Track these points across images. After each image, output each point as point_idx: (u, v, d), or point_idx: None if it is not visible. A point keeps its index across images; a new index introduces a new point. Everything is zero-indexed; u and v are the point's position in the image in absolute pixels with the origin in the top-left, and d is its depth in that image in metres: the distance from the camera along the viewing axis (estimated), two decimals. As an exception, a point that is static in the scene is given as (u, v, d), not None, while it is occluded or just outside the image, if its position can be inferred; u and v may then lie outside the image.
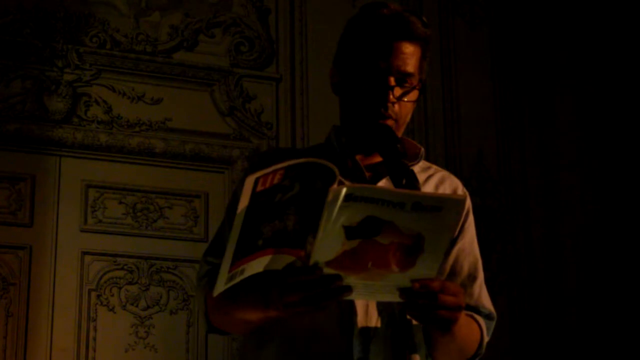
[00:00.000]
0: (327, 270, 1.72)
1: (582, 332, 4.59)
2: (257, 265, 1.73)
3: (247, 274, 1.73)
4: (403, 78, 2.01)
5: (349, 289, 1.74)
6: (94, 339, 3.96)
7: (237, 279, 1.73)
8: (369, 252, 1.71)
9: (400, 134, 2.04)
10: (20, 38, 4.12)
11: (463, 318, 1.89)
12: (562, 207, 4.77)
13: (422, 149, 2.12)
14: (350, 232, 1.69)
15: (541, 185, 4.80)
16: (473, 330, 2.05)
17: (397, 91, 2.00)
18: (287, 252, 1.73)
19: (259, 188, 1.70)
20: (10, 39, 4.10)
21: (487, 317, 2.10)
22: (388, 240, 1.70)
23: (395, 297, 1.81)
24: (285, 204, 1.72)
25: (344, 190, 1.65)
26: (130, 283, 4.09)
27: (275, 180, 1.71)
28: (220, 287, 1.74)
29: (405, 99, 2.01)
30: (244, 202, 1.70)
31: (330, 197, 1.66)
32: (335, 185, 1.69)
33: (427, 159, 2.20)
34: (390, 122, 2.00)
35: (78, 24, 4.23)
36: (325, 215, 1.67)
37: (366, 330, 1.94)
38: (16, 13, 4.13)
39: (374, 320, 1.95)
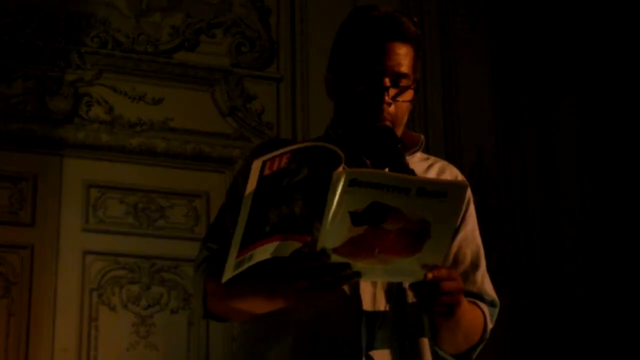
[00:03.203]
0: (335, 258, 1.72)
1: (582, 332, 4.60)
2: (264, 252, 1.73)
3: (254, 260, 1.73)
4: (397, 79, 2.03)
5: (358, 274, 1.76)
6: (96, 338, 3.97)
7: (245, 265, 1.73)
8: (376, 239, 1.71)
9: (398, 135, 2.05)
10: (22, 38, 4.12)
11: (466, 304, 1.92)
12: (562, 207, 4.78)
13: (422, 137, 2.14)
14: (356, 218, 1.69)
15: (541, 185, 4.81)
16: (477, 317, 2.08)
17: (392, 92, 2.01)
18: (293, 238, 1.72)
19: (266, 172, 1.70)
20: (11, 39, 4.10)
21: (490, 304, 2.13)
22: (394, 226, 1.71)
23: (404, 279, 1.82)
24: (293, 188, 1.71)
25: (348, 174, 1.66)
26: (131, 282, 4.10)
27: (282, 164, 1.71)
28: (228, 273, 1.74)
29: (401, 99, 2.03)
30: (251, 185, 1.70)
31: (334, 181, 1.66)
32: (340, 169, 1.69)
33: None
34: (387, 124, 2.01)
35: (79, 24, 4.23)
36: (330, 199, 1.67)
37: (373, 317, 1.97)
38: (18, 13, 4.14)
39: (382, 308, 1.97)
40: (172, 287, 4.14)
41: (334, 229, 1.69)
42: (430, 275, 1.78)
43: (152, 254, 4.14)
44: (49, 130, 4.08)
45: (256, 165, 1.70)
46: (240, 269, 1.73)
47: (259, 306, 1.93)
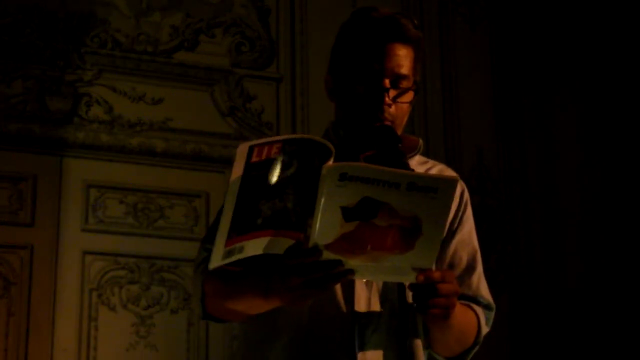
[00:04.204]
0: (327, 255, 1.72)
1: (582, 332, 4.60)
2: (256, 246, 1.71)
3: (246, 253, 1.71)
4: (398, 80, 2.02)
5: (351, 271, 1.75)
6: (95, 338, 3.97)
7: (235, 256, 1.71)
8: (368, 235, 1.71)
9: None
10: (21, 38, 4.12)
11: (459, 307, 1.91)
12: (562, 207, 4.78)
13: (421, 141, 2.14)
14: (347, 213, 1.68)
15: (541, 185, 4.81)
16: (470, 320, 2.07)
17: (393, 93, 2.01)
18: (286, 235, 1.71)
19: (254, 159, 1.68)
20: (11, 39, 4.11)
21: (486, 307, 2.13)
22: (386, 222, 1.70)
23: (396, 278, 1.82)
24: (285, 182, 1.70)
25: (338, 168, 1.66)
26: (131, 282, 4.10)
27: (272, 154, 1.69)
28: (216, 260, 1.72)
29: (401, 101, 2.03)
30: (237, 171, 1.68)
31: (324, 174, 1.65)
32: (329, 163, 1.69)
33: (427, 158, 2.22)
34: (387, 124, 2.01)
35: (79, 24, 4.24)
36: (320, 194, 1.66)
37: (368, 320, 1.97)
38: (17, 13, 4.14)
39: (376, 309, 1.98)
40: (172, 287, 4.14)
41: (325, 224, 1.69)
42: (421, 278, 1.78)
43: (151, 254, 4.14)
44: (48, 130, 4.08)
45: (242, 149, 1.67)
46: (230, 259, 1.72)
47: (255, 306, 1.93)
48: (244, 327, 2.11)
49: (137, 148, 4.20)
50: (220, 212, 2.11)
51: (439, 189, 1.70)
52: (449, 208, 1.76)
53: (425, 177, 1.75)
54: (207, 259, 2.04)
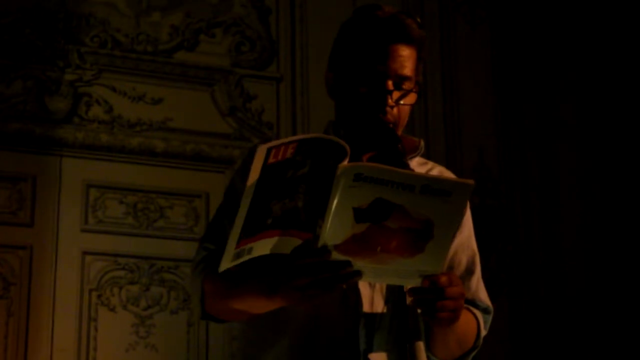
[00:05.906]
0: (336, 255, 1.70)
1: (582, 332, 4.60)
2: (264, 246, 1.71)
3: (254, 254, 1.71)
4: (400, 81, 2.01)
5: (358, 273, 1.74)
6: (95, 338, 3.97)
7: (244, 258, 1.71)
8: (378, 237, 1.70)
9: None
10: (21, 38, 4.12)
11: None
12: (562, 207, 4.77)
13: (422, 142, 2.13)
14: (359, 214, 1.67)
15: (541, 185, 4.80)
16: (470, 323, 2.07)
17: (395, 95, 2.00)
18: (295, 235, 1.70)
19: (271, 160, 1.68)
20: (11, 39, 4.10)
21: (484, 311, 2.12)
22: (397, 224, 1.69)
23: (403, 282, 1.81)
24: (297, 181, 1.69)
25: (353, 168, 1.64)
26: (131, 283, 4.09)
27: (288, 154, 1.68)
28: (226, 263, 1.72)
29: (403, 102, 2.02)
30: (254, 174, 1.67)
31: (339, 174, 1.64)
32: (345, 163, 1.67)
33: (428, 159, 2.21)
34: (389, 126, 2.00)
35: (79, 24, 4.23)
36: (334, 193, 1.65)
37: (371, 320, 1.96)
38: (17, 13, 4.14)
39: (380, 310, 1.97)
40: (171, 288, 4.14)
41: (336, 224, 1.68)
42: (427, 283, 1.77)
43: (151, 254, 4.14)
44: (48, 130, 4.08)
45: (261, 152, 1.67)
46: (239, 261, 1.71)
47: (257, 305, 1.91)
48: (243, 327, 2.10)
49: (137, 148, 4.20)
50: (219, 211, 2.11)
51: (454, 193, 1.69)
52: (463, 212, 1.76)
53: (441, 181, 1.73)
54: (206, 259, 2.03)
